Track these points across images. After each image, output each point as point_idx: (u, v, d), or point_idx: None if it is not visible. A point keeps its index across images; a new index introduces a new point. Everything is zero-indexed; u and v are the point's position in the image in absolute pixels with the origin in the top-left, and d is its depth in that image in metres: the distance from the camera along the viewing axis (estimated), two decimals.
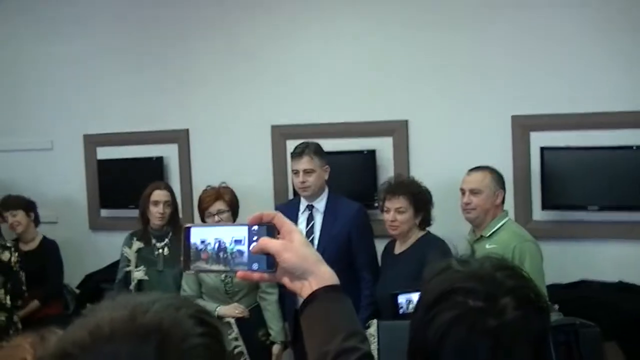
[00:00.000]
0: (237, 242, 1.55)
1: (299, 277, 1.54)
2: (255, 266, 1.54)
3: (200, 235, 1.56)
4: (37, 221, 6.18)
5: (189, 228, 1.56)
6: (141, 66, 6.44)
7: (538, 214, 5.25)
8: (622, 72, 5.01)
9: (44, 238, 6.20)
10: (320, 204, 5.13)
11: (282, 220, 1.56)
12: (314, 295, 1.53)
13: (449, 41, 5.43)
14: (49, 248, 6.15)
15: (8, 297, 5.35)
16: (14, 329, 5.27)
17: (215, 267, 1.56)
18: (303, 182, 5.05)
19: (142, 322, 1.02)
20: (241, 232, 1.56)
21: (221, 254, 1.55)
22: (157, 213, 5.32)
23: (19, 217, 6.03)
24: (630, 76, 4.99)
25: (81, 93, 6.67)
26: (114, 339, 0.99)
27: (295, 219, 5.12)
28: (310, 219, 5.13)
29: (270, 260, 1.53)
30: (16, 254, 5.55)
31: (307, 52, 5.89)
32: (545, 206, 5.18)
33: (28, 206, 6.11)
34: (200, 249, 1.55)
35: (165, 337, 1.00)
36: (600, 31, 5.06)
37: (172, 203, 5.44)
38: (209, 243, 1.55)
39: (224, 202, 5.19)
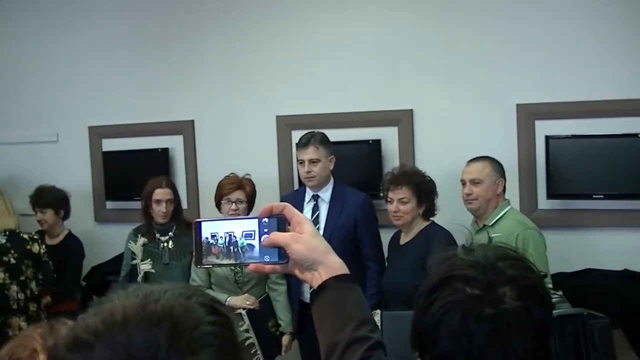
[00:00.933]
0: (248, 235, 1.56)
1: (309, 268, 1.55)
2: (266, 258, 1.56)
3: (211, 229, 1.57)
4: (66, 216, 6.15)
5: (199, 222, 1.57)
6: (146, 58, 6.45)
7: (543, 202, 5.25)
8: (628, 60, 5.00)
9: (69, 234, 6.14)
10: (326, 194, 5.14)
11: (292, 211, 1.58)
12: (324, 285, 1.54)
13: (453, 30, 5.43)
14: (71, 245, 6.09)
15: (38, 289, 5.45)
16: (43, 317, 5.35)
17: (226, 260, 1.58)
18: (308, 172, 5.05)
19: (154, 309, 1.02)
20: (251, 225, 1.57)
21: (232, 248, 1.56)
22: (159, 212, 5.32)
23: (47, 215, 5.99)
24: (635, 64, 4.98)
25: (86, 85, 6.67)
26: (126, 326, 1.00)
27: (300, 209, 5.10)
28: (315, 208, 5.14)
29: (281, 252, 1.55)
30: (43, 246, 5.61)
31: (312, 43, 5.88)
32: (550, 195, 5.18)
33: (59, 204, 6.06)
34: (212, 243, 1.56)
35: (177, 324, 1.01)
36: (606, 19, 5.05)
37: (175, 199, 5.42)
38: (220, 237, 1.56)
39: (244, 193, 5.18)
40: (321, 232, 5.01)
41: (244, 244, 1.56)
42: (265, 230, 1.56)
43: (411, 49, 5.56)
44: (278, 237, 1.54)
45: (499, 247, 1.62)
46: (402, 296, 4.34)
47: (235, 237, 1.56)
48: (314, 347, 1.59)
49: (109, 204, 6.70)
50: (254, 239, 1.56)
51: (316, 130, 5.20)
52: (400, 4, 5.58)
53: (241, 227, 1.57)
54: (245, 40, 6.07)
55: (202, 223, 1.58)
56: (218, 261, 1.57)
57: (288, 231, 1.56)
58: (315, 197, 5.15)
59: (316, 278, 1.55)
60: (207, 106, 6.25)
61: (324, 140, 5.11)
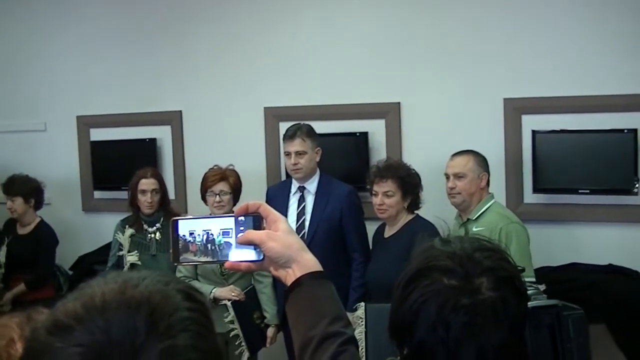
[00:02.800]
0: (225, 233, 1.59)
1: (283, 265, 1.58)
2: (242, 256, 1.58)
3: (188, 227, 1.60)
4: (38, 206, 6.12)
5: (176, 221, 1.60)
6: (135, 48, 6.44)
7: (529, 197, 5.26)
8: (615, 55, 5.00)
9: (41, 222, 6.14)
10: (312, 186, 5.14)
11: (267, 210, 1.60)
12: (298, 282, 1.56)
13: (442, 24, 5.43)
14: (42, 233, 6.09)
15: None
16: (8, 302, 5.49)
17: (203, 258, 1.60)
18: (295, 164, 5.06)
19: (133, 294, 1.04)
20: (228, 223, 1.59)
21: (209, 246, 1.59)
22: (145, 202, 5.33)
23: (16, 204, 5.99)
24: (622, 59, 4.98)
25: (75, 75, 6.67)
26: (106, 311, 1.02)
27: (286, 201, 5.14)
28: (301, 200, 5.14)
29: (257, 250, 1.57)
30: None
31: (301, 35, 5.88)
32: (536, 189, 5.19)
33: (29, 193, 6.04)
34: (189, 241, 1.59)
35: (155, 309, 1.03)
36: (593, 14, 5.05)
37: (161, 189, 5.42)
38: (197, 235, 1.59)
39: (228, 184, 5.17)
40: (307, 223, 5.05)
41: (222, 242, 1.58)
42: (241, 228, 1.58)
43: (399, 42, 5.56)
44: (253, 235, 1.57)
45: (475, 239, 1.65)
46: (385, 289, 4.32)
47: (212, 235, 1.58)
48: None
49: (97, 194, 6.70)
50: (230, 237, 1.58)
51: (303, 122, 5.20)
52: None
53: (218, 225, 1.59)
54: (234, 32, 6.06)
55: (179, 221, 1.60)
56: (195, 258, 1.60)
57: (264, 229, 1.58)
58: (302, 189, 5.15)
59: (290, 275, 1.57)
60: (195, 97, 6.25)
61: (310, 133, 5.11)
